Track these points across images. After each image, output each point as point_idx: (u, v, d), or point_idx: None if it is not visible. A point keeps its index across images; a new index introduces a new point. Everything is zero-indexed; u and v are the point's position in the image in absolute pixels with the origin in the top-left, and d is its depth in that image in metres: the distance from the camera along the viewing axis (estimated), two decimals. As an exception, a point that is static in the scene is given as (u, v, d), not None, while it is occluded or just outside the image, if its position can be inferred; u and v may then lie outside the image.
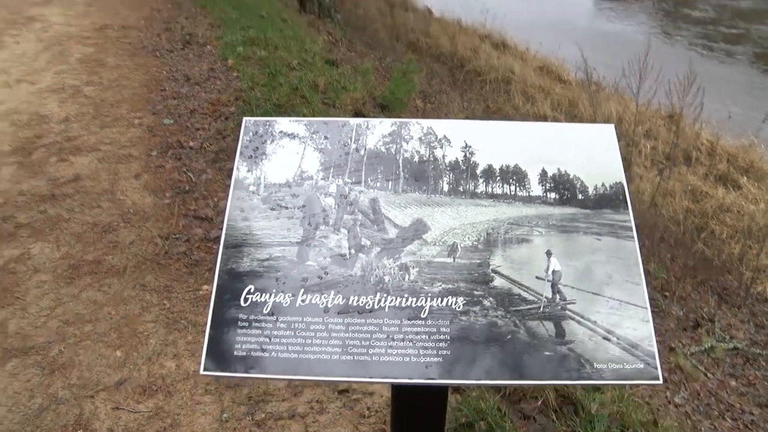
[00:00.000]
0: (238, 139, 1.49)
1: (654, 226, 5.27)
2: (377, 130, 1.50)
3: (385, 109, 5.64)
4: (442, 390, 1.39)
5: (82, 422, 2.24)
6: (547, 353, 1.19)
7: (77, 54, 6.16)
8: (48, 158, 4.10)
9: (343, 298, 1.26)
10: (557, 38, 10.81)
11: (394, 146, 1.48)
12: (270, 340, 1.22)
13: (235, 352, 1.21)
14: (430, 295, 1.26)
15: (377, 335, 1.21)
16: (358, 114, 5.18)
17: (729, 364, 3.63)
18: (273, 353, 1.20)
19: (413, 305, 1.25)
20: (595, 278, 1.28)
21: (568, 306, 1.25)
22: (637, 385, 2.58)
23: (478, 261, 1.31)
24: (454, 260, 1.31)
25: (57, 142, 4.31)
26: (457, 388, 2.37)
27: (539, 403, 2.33)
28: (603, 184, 1.40)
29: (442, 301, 1.25)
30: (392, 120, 1.53)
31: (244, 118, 1.52)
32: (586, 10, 16.51)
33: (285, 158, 1.46)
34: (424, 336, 1.21)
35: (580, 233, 1.34)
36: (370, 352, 1.20)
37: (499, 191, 1.41)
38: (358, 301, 1.25)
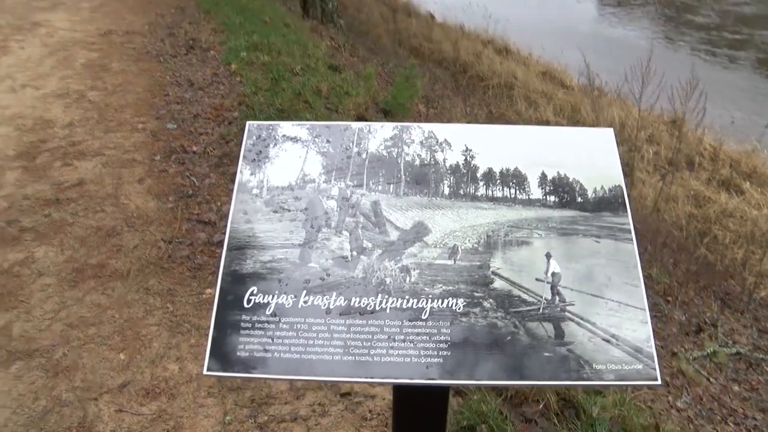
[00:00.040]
0: (241, 143, 1.51)
1: (656, 231, 5.28)
2: (379, 134, 1.52)
3: (388, 114, 5.66)
4: (443, 390, 1.40)
5: (86, 424, 2.25)
6: (546, 354, 1.20)
7: (82, 59, 6.20)
8: (52, 163, 4.12)
9: (344, 300, 1.27)
10: (560, 43, 10.84)
11: (396, 150, 1.49)
12: (272, 340, 1.23)
13: (238, 353, 1.22)
14: (430, 296, 1.27)
15: (378, 336, 1.23)
16: (360, 119, 5.20)
17: (732, 369, 3.63)
18: (275, 354, 1.22)
19: (414, 307, 1.26)
20: (595, 280, 1.29)
21: (568, 307, 1.26)
22: (636, 386, 2.58)
23: (479, 263, 1.32)
24: (454, 262, 1.32)
25: (61, 147, 4.34)
26: (458, 391, 2.38)
27: (541, 406, 2.34)
28: (602, 187, 1.41)
29: (442, 303, 1.26)
30: (394, 124, 1.55)
31: (248, 122, 1.54)
32: (588, 15, 16.53)
33: (288, 161, 1.48)
34: (424, 337, 1.23)
35: (580, 236, 1.36)
36: (372, 353, 1.21)
37: (499, 194, 1.43)
38: (359, 302, 1.27)
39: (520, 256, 1.33)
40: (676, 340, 3.75)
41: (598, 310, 1.26)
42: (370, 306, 1.26)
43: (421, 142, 1.50)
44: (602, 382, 1.19)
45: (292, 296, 1.28)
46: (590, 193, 1.41)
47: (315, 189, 1.43)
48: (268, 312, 1.26)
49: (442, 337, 1.23)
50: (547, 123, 8.28)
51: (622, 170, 1.45)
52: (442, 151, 1.48)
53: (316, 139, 1.51)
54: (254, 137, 1.51)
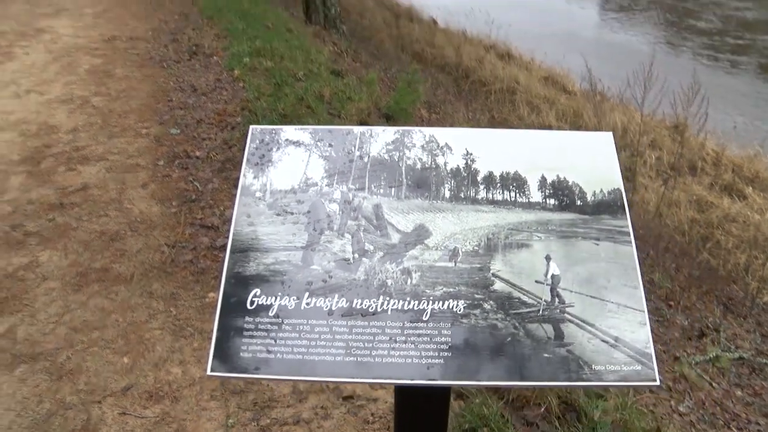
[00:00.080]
0: (244, 148, 1.53)
1: (659, 236, 5.28)
2: (380, 138, 1.54)
3: (390, 119, 5.68)
4: (444, 391, 1.41)
5: (90, 427, 2.26)
6: (546, 355, 1.22)
7: (86, 65, 6.23)
8: (56, 167, 4.15)
9: (346, 302, 1.28)
10: (562, 49, 10.87)
11: (397, 154, 1.51)
12: (275, 342, 1.24)
13: (242, 354, 1.23)
14: (431, 298, 1.28)
15: (380, 337, 1.24)
16: (363, 124, 5.22)
17: (734, 374, 3.63)
18: (278, 355, 1.23)
19: (415, 308, 1.27)
20: (594, 282, 1.30)
21: (567, 309, 1.27)
22: (635, 387, 2.58)
23: (479, 265, 1.34)
24: (455, 265, 1.34)
25: (65, 152, 4.36)
26: (460, 394, 2.39)
27: (542, 409, 2.34)
28: (601, 191, 1.43)
29: (443, 305, 1.27)
30: (395, 128, 1.56)
31: (251, 126, 1.56)
32: (591, 20, 16.57)
33: (290, 165, 1.49)
34: (425, 338, 1.24)
35: (579, 238, 1.37)
36: (373, 354, 1.22)
37: (500, 197, 1.44)
38: (361, 304, 1.28)
39: (520, 258, 1.35)
40: (679, 344, 3.74)
41: (598, 312, 1.27)
42: (372, 307, 1.27)
43: (423, 146, 1.52)
44: (602, 382, 1.20)
45: (295, 298, 1.29)
46: (590, 197, 1.42)
47: (317, 192, 1.45)
48: (270, 314, 1.28)
49: (443, 339, 1.24)
50: (549, 128, 8.29)
51: (624, 174, 1.47)
52: (443, 155, 1.50)
53: (319, 143, 1.53)
54: (257, 141, 1.53)
